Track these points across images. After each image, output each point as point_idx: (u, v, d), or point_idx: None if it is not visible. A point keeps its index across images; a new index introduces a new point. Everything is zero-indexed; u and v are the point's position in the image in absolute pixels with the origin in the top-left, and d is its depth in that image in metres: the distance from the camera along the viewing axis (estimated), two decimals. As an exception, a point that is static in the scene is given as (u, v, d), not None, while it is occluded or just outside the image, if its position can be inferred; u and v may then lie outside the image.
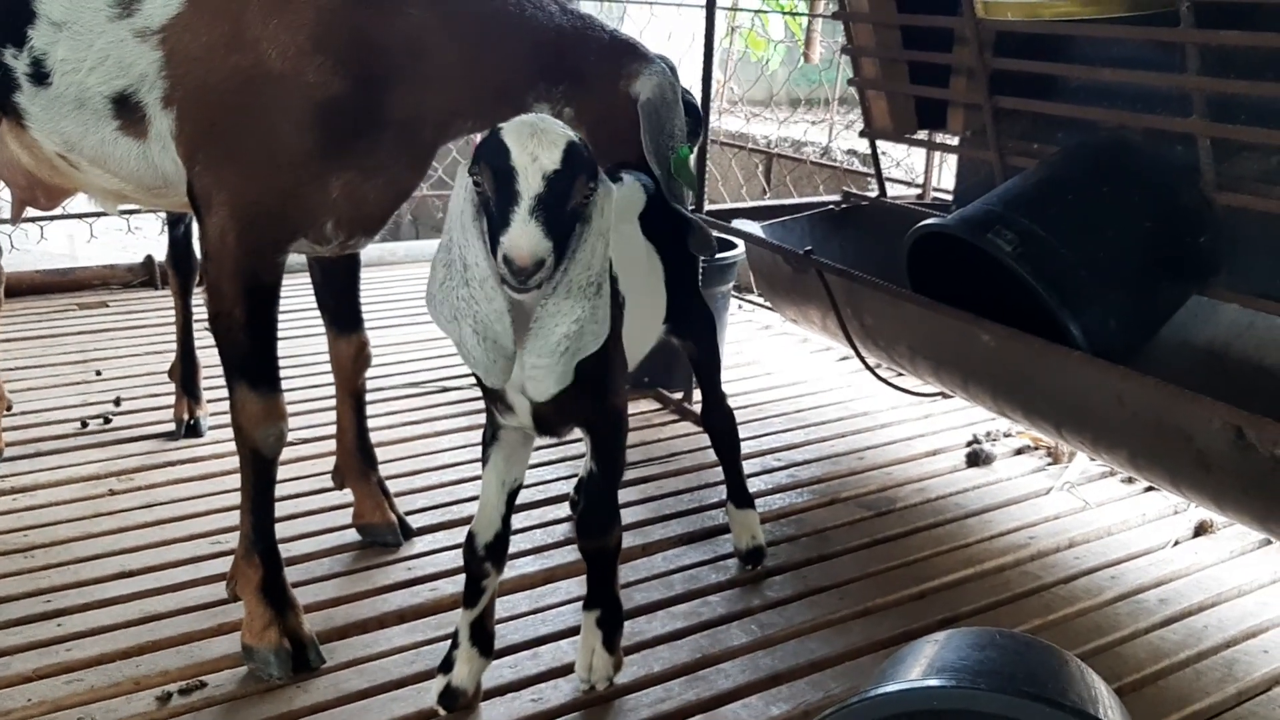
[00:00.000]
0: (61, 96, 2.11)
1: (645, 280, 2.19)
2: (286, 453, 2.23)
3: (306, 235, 2.15)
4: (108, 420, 3.25)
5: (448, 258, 1.83)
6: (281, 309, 2.16)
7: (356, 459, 2.65)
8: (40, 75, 2.11)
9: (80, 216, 4.65)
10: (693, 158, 2.32)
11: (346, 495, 2.70)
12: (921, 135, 3.59)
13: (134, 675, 2.15)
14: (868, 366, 3.29)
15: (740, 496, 2.66)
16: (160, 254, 3.99)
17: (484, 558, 2.04)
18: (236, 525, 2.26)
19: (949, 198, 3.72)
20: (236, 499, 2.27)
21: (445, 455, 3.15)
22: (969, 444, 3.32)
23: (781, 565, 2.66)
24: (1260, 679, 2.30)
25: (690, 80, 2.56)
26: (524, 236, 1.64)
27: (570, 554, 2.60)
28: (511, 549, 2.14)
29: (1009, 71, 2.97)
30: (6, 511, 2.72)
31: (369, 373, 2.62)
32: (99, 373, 3.65)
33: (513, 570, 2.49)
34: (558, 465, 3.09)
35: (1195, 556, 2.76)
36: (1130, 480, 3.10)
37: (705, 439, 2.78)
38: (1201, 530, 2.87)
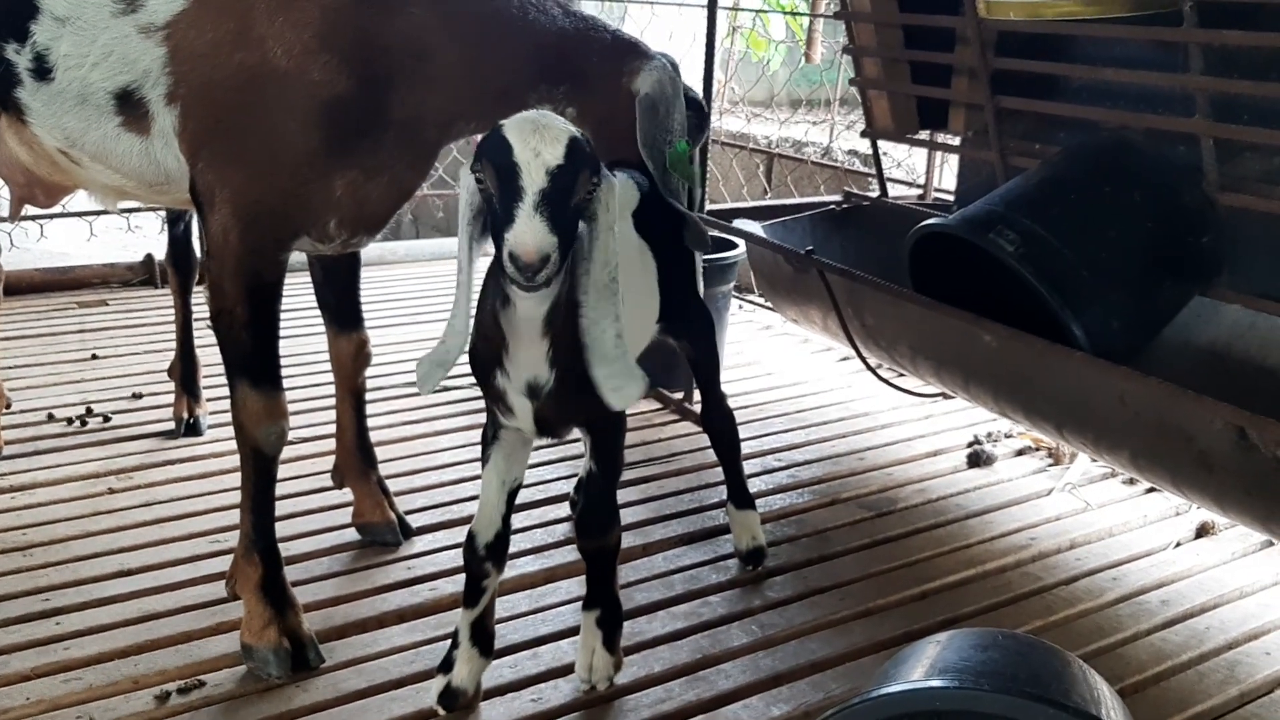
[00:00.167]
0: (64, 92, 2.11)
1: (637, 279, 2.18)
2: (286, 451, 2.22)
3: (309, 233, 2.14)
4: (107, 419, 3.25)
5: None
6: (282, 307, 2.15)
7: (356, 458, 2.64)
8: (42, 70, 2.10)
9: (80, 215, 4.65)
10: (696, 153, 2.31)
11: (346, 494, 2.69)
12: (923, 135, 3.58)
13: (132, 674, 2.14)
14: (869, 367, 3.29)
15: (741, 497, 2.65)
16: (160, 253, 3.99)
17: (484, 557, 2.04)
18: (236, 524, 2.26)
19: (950, 198, 3.71)
20: (235, 498, 2.26)
21: (445, 455, 3.14)
22: (970, 445, 3.31)
23: (782, 566, 2.65)
24: (1262, 681, 2.29)
25: (691, 80, 2.55)
26: (529, 232, 1.64)
27: (571, 554, 2.59)
28: (512, 548, 2.14)
29: (1011, 71, 2.96)
30: (5, 510, 2.72)
31: (369, 372, 2.61)
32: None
33: (513, 570, 2.49)
34: (558, 465, 3.09)
35: (1197, 558, 2.75)
36: (1132, 481, 3.10)
37: (705, 439, 2.78)
38: (1203, 532, 2.86)
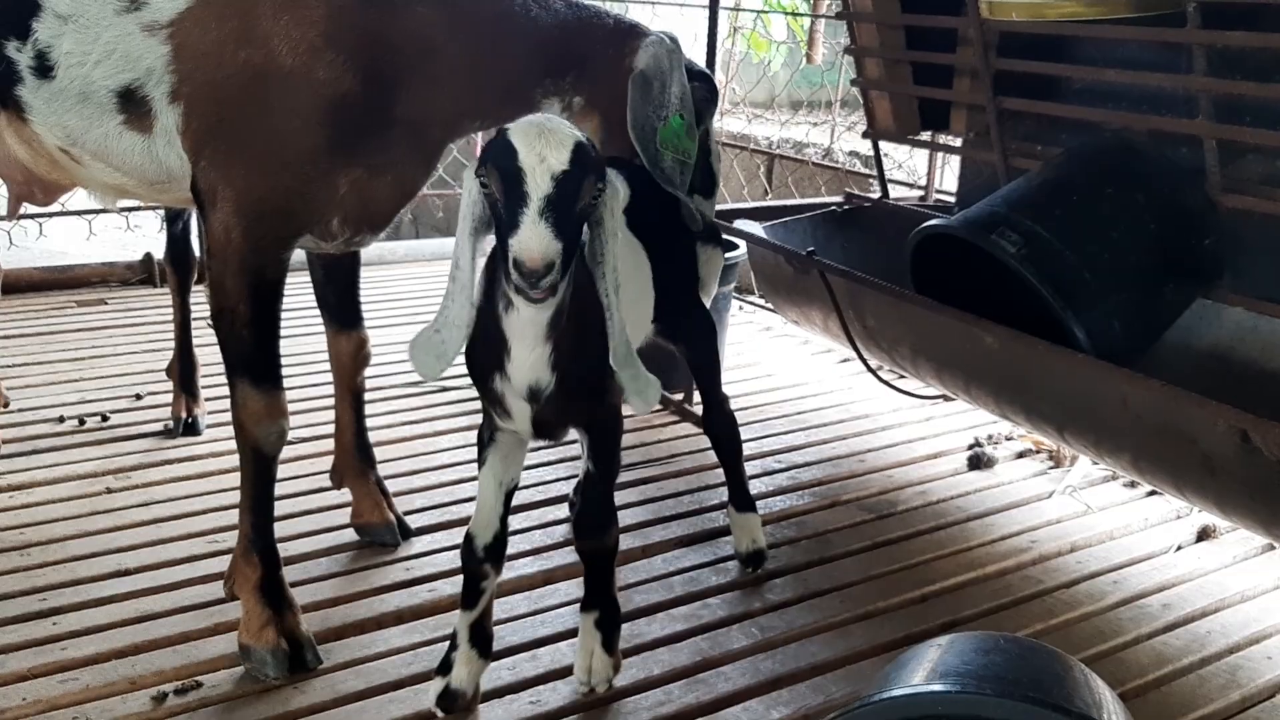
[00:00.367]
0: (66, 90, 2.10)
1: (629, 279, 2.16)
2: (285, 452, 2.21)
3: (312, 232, 2.14)
4: (105, 418, 3.24)
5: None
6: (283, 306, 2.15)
7: (355, 458, 2.63)
8: (44, 68, 2.09)
9: (79, 214, 4.64)
10: (697, 130, 2.29)
11: (345, 495, 2.68)
12: (924, 136, 3.58)
13: (130, 674, 2.13)
14: (869, 368, 3.28)
15: (741, 500, 2.64)
16: (159, 252, 3.98)
17: (482, 558, 2.03)
18: (234, 524, 2.25)
19: (952, 199, 3.71)
20: (234, 498, 2.25)
21: (444, 455, 3.13)
22: (971, 447, 3.31)
23: (782, 568, 2.64)
24: (1264, 685, 2.28)
25: (692, 80, 2.54)
26: (534, 238, 1.62)
27: (569, 555, 2.58)
28: (510, 550, 2.13)
29: (1013, 72, 2.96)
30: (2, 509, 2.71)
31: (368, 372, 2.61)
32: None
33: (511, 571, 2.48)
34: (556, 466, 3.08)
35: (1198, 561, 2.75)
36: (1133, 484, 3.09)
37: (705, 440, 2.77)
38: (1205, 535, 2.85)
